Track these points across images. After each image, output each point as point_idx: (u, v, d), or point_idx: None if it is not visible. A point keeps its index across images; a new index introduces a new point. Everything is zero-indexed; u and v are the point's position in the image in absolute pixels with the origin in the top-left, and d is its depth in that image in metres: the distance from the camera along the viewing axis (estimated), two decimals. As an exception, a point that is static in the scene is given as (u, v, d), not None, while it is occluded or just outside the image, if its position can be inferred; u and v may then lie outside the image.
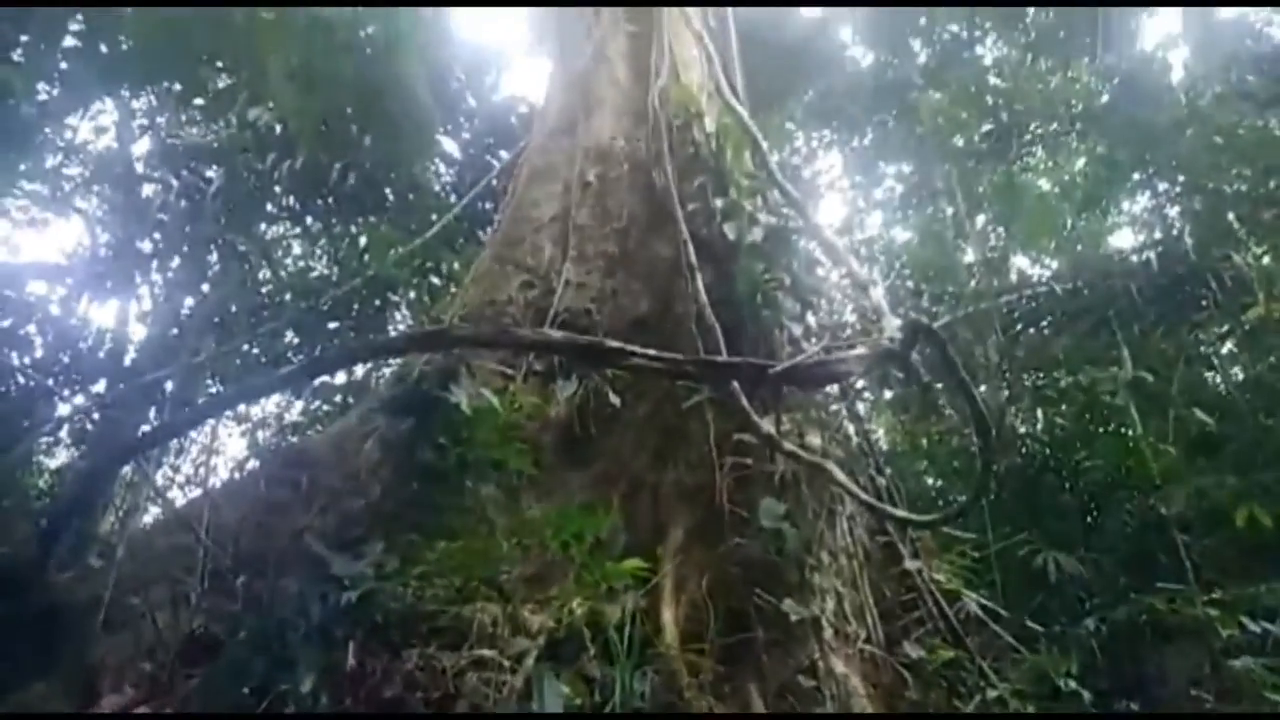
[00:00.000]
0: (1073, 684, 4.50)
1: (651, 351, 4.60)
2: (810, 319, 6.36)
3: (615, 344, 4.69)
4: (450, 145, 10.45)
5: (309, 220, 10.61)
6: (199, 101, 9.09)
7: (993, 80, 11.98)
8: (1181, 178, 10.03)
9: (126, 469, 9.83)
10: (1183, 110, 10.01)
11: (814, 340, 6.07)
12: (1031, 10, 12.34)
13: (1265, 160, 9.00)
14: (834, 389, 6.25)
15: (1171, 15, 12.36)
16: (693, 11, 9.35)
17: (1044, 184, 11.89)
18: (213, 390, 8.84)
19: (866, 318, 6.56)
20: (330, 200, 9.05)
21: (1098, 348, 8.59)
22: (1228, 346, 9.52)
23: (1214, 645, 5.17)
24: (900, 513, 4.96)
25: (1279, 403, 7.97)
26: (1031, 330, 9.95)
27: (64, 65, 7.66)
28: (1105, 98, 11.36)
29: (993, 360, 9.05)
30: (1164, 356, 8.38)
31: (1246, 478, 6.83)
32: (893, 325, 5.09)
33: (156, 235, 9.74)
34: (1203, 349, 9.27)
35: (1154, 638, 5.49)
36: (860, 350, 4.72)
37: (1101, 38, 11.92)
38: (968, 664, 4.45)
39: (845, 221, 13.28)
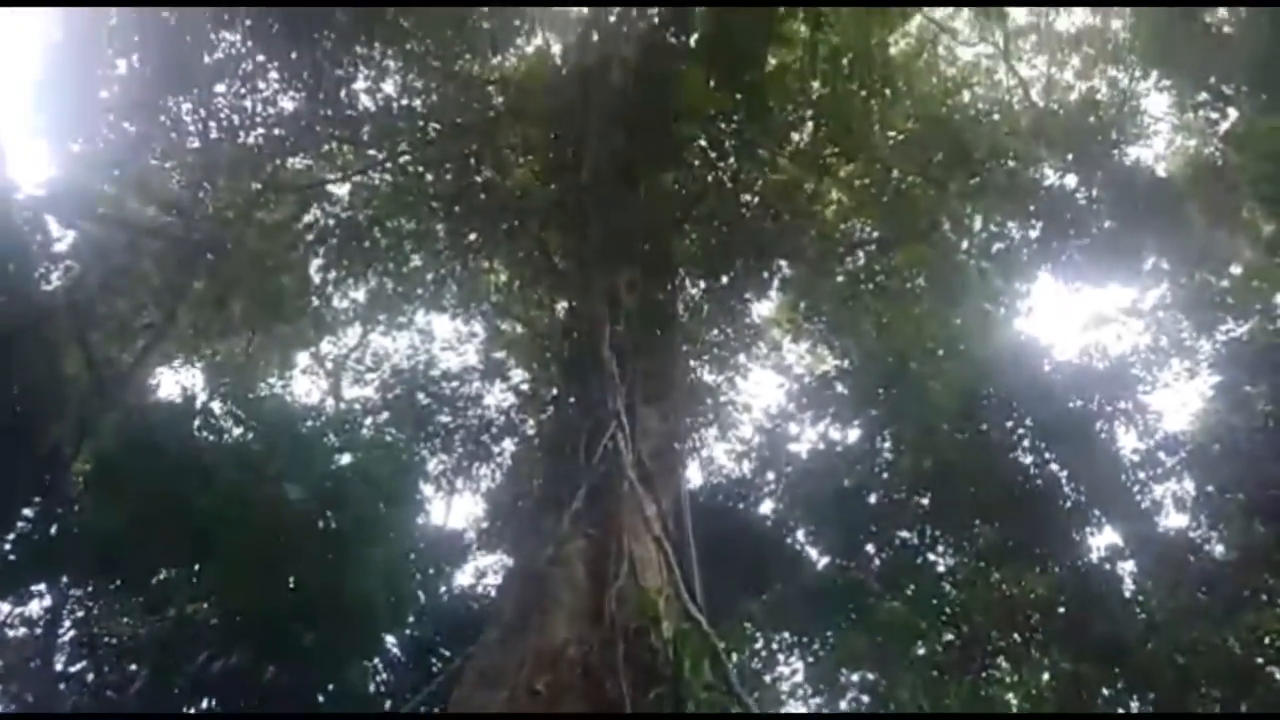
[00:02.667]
0: None
1: None
2: None
3: None
4: (393, 643, 10.24)
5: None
6: (140, 592, 9.05)
7: (948, 588, 12.41)
8: (1152, 694, 9.99)
9: None
10: (1139, 624, 10.28)
11: None
12: (978, 521, 13.20)
13: (1231, 681, 9.07)
14: None
15: (1112, 528, 13.24)
16: (652, 514, 9.87)
17: (1011, 697, 11.69)
18: None
19: None
20: (259, 700, 8.55)
21: None
22: None
23: None
24: None
25: None
26: None
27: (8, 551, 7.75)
28: (1061, 609, 11.70)
29: None
30: None
31: None
32: None
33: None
34: None
35: None
36: None
37: (1051, 547, 12.65)
38: None
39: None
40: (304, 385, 20.34)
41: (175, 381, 16.76)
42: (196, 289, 14.45)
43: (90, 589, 9.51)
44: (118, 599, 9.11)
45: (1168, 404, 18.76)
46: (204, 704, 8.66)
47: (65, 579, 9.66)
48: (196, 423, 11.66)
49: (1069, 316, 22.35)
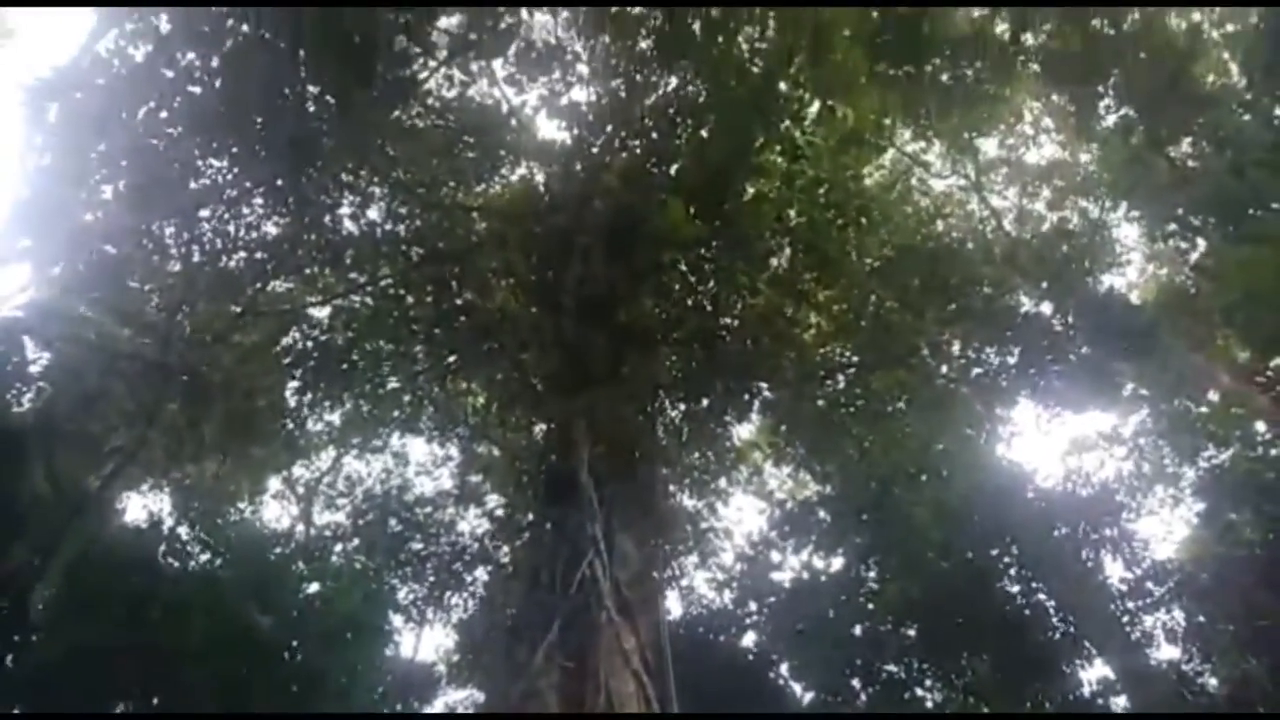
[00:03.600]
0: None
1: None
2: None
3: None
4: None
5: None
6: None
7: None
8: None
9: None
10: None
11: None
12: (965, 653, 12.82)
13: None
14: None
15: (1103, 661, 12.86)
16: (631, 646, 9.49)
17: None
18: None
19: None
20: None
21: None
22: None
23: None
24: None
25: None
26: None
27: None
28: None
29: None
30: None
31: None
32: None
33: None
34: None
35: None
36: None
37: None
38: None
39: None
40: (274, 510, 19.85)
41: (143, 505, 16.31)
42: (169, 412, 14.19)
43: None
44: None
45: (1153, 531, 18.61)
46: None
47: (18, 709, 9.16)
48: (163, 548, 11.32)
49: (1050, 442, 22.32)
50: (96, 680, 8.80)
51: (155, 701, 9.15)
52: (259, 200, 15.71)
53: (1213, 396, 16.65)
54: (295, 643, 9.75)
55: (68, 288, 14.71)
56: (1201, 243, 16.56)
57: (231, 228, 15.67)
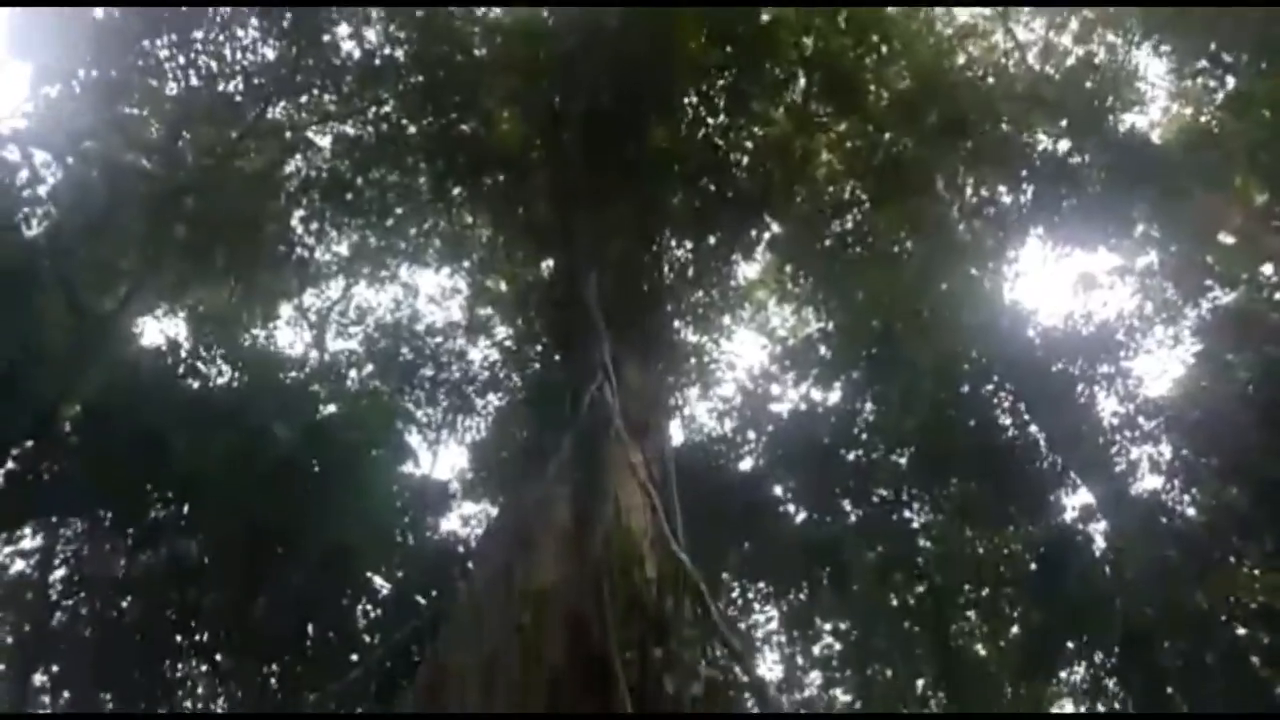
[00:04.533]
0: None
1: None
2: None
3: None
4: (381, 583, 10.28)
5: (219, 657, 9.98)
6: (130, 531, 9.05)
7: (922, 543, 12.59)
8: (1117, 649, 10.17)
9: None
10: (1110, 583, 10.45)
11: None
12: (954, 480, 13.35)
13: (1197, 634, 9.26)
14: None
15: (1087, 489, 13.40)
16: (638, 460, 9.90)
17: (980, 649, 11.94)
18: None
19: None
20: (247, 637, 8.61)
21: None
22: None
23: None
24: None
25: None
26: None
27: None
28: (1033, 566, 11.89)
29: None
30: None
31: None
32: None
33: (54, 668, 9.06)
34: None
35: None
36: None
37: (1024, 508, 12.81)
38: None
39: (784, 679, 12.95)
40: (288, 337, 20.23)
41: (159, 330, 16.61)
42: (178, 235, 14.23)
43: (81, 528, 9.49)
44: (108, 538, 9.10)
45: (1150, 370, 18.94)
46: (194, 637, 8.72)
47: (56, 519, 9.65)
48: (182, 370, 11.60)
49: (1057, 282, 22.35)
50: (126, 492, 9.20)
51: (184, 508, 9.62)
52: (255, 22, 15.24)
53: (1224, 238, 16.60)
54: (314, 459, 10.11)
55: (66, 110, 14.46)
56: (1231, 81, 16.05)
57: (228, 51, 15.27)
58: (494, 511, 10.54)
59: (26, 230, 12.57)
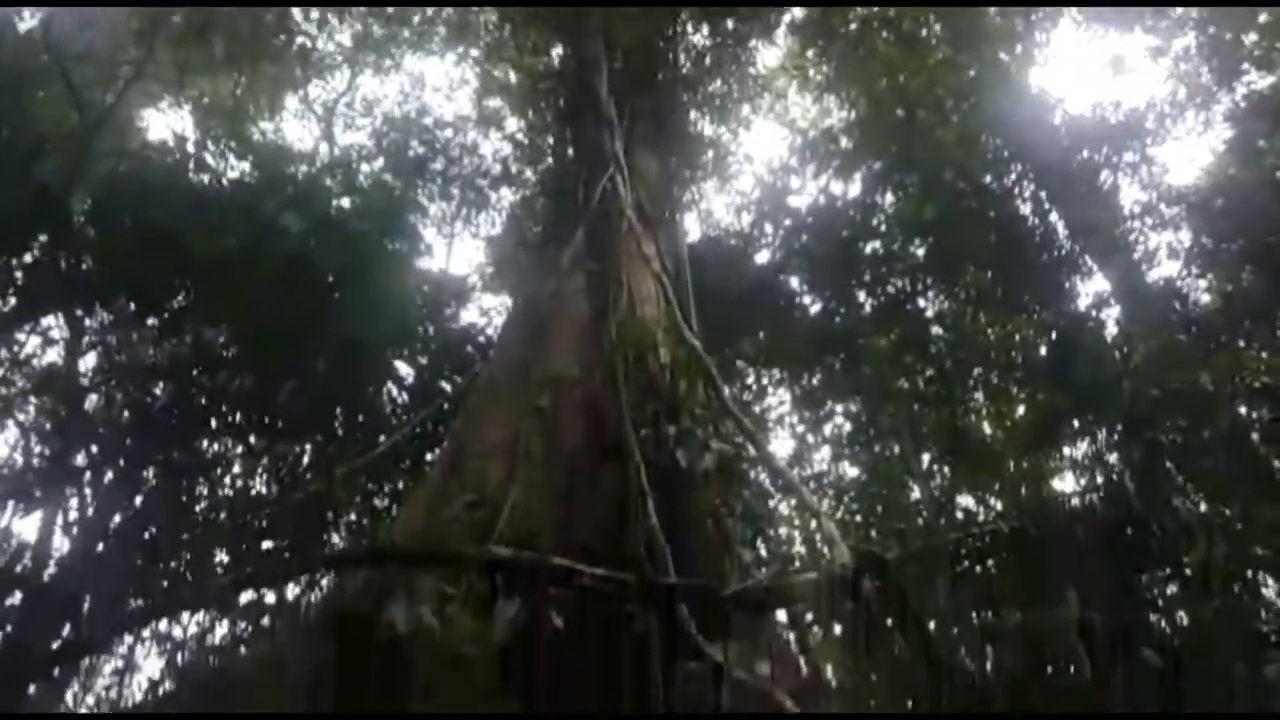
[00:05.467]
0: None
1: (599, 571, 4.53)
2: (760, 547, 6.35)
3: (562, 562, 4.61)
4: (405, 370, 10.65)
5: (252, 438, 10.50)
6: (153, 321, 9.24)
7: (935, 330, 12.80)
8: (1120, 427, 10.52)
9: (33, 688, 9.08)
10: (1118, 366, 10.66)
11: (764, 569, 6.03)
12: (971, 269, 13.37)
13: (1198, 413, 9.54)
14: (784, 619, 6.12)
15: (1103, 276, 13.42)
16: (651, 251, 9.99)
17: (986, 428, 12.41)
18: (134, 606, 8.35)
19: (816, 547, 6.53)
20: (277, 419, 9.02)
21: (1043, 588, 8.59)
22: (1172, 591, 9.58)
23: None
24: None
25: (1222, 646, 7.94)
26: (978, 569, 9.94)
27: (20, 280, 7.82)
28: (1043, 351, 12.11)
29: (940, 597, 8.96)
30: (1110, 599, 8.42)
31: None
32: (843, 554, 5.12)
33: (94, 448, 9.52)
34: (1147, 594, 9.32)
35: None
36: (811, 576, 4.71)
37: (1038, 295, 12.89)
38: None
39: (794, 456, 13.59)
40: (295, 131, 19.88)
41: (164, 125, 16.36)
42: (175, 22, 13.70)
43: (104, 320, 9.72)
44: (132, 326, 9.32)
45: (1177, 158, 18.42)
46: (226, 420, 9.14)
47: (80, 311, 9.82)
48: (190, 164, 11.45)
49: (1087, 68, 21.27)
50: (145, 281, 9.29)
51: (200, 305, 9.74)
52: None
53: (1263, 18, 15.65)
54: (328, 251, 10.14)
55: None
56: None
57: None
58: (511, 304, 10.71)
59: (19, 23, 12.17)
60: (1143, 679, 7.69)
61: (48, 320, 9.80)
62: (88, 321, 9.85)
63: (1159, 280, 13.01)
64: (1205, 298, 12.57)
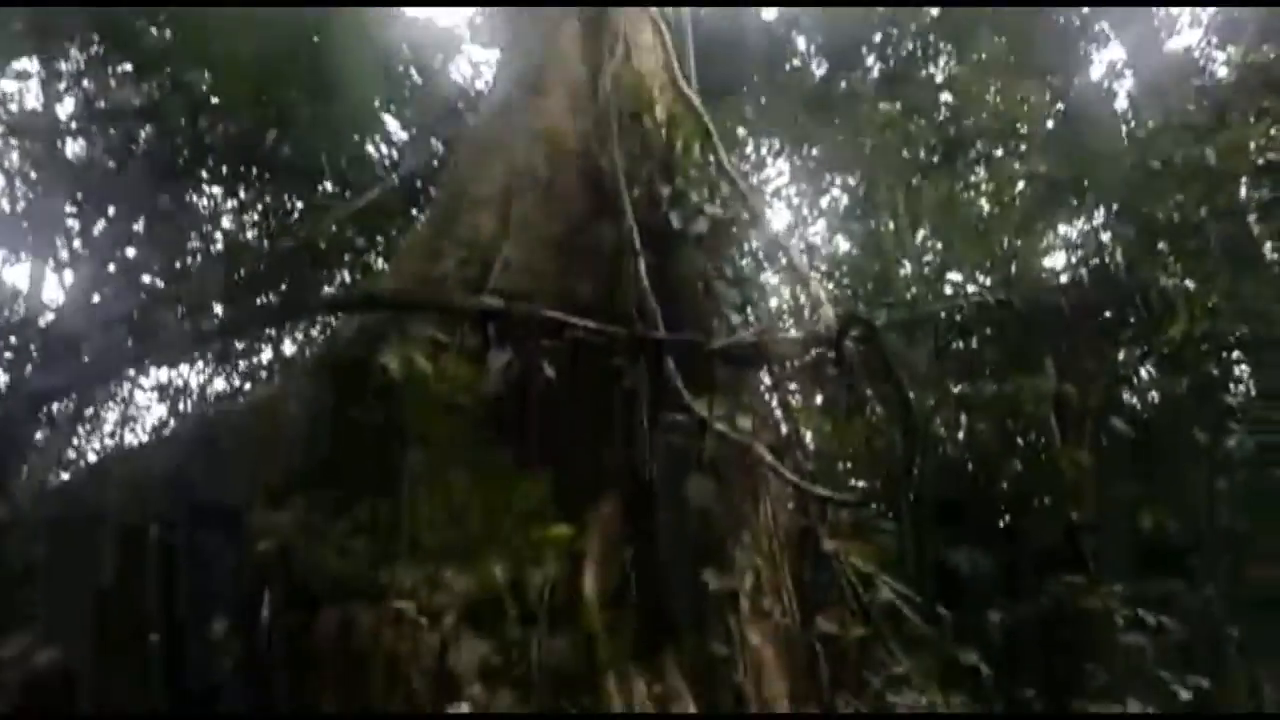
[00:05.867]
0: (974, 658, 4.66)
1: (590, 323, 4.62)
2: (750, 311, 6.43)
3: (553, 314, 4.70)
4: (393, 123, 10.32)
5: (241, 189, 10.37)
6: (128, 66, 8.85)
7: (944, 96, 12.33)
8: (1116, 205, 10.41)
9: (39, 435, 9.52)
10: (1123, 137, 10.39)
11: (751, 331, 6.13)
12: (985, 33, 12.71)
13: (1199, 188, 9.42)
14: (766, 379, 6.33)
15: (1119, 44, 12.82)
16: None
17: (984, 204, 12.26)
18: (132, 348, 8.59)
19: (804, 313, 6.66)
20: (265, 170, 8.85)
21: (1024, 360, 8.85)
22: (1147, 367, 9.91)
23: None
24: (823, 491, 5.06)
25: (1189, 420, 8.33)
26: (961, 342, 10.18)
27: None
28: (1050, 122, 11.74)
29: (922, 367, 9.25)
30: (1086, 372, 8.71)
31: (1153, 486, 7.14)
32: (829, 315, 5.22)
33: (79, 194, 9.40)
34: (1123, 370, 9.63)
35: (1055, 624, 5.72)
36: (796, 335, 4.83)
37: (1051, 62, 12.34)
38: (877, 643, 4.57)
39: (789, 229, 13.53)
40: None
41: None
42: None
43: (80, 63, 9.29)
44: (109, 64, 8.92)
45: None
46: (212, 170, 9.00)
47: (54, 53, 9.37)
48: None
49: None
50: (104, 25, 8.76)
51: (177, 41, 9.25)
52: None
53: None
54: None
55: None
56: None
57: None
58: (501, 55, 10.18)
59: None
60: (1112, 448, 8.14)
61: (21, 64, 9.37)
62: (63, 65, 9.41)
63: (1178, 49, 12.41)
64: (1222, 71, 12.03)
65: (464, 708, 3.54)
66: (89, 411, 10.40)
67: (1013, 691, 5.14)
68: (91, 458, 9.84)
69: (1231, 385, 9.48)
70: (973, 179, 12.32)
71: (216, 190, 9.79)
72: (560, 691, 3.64)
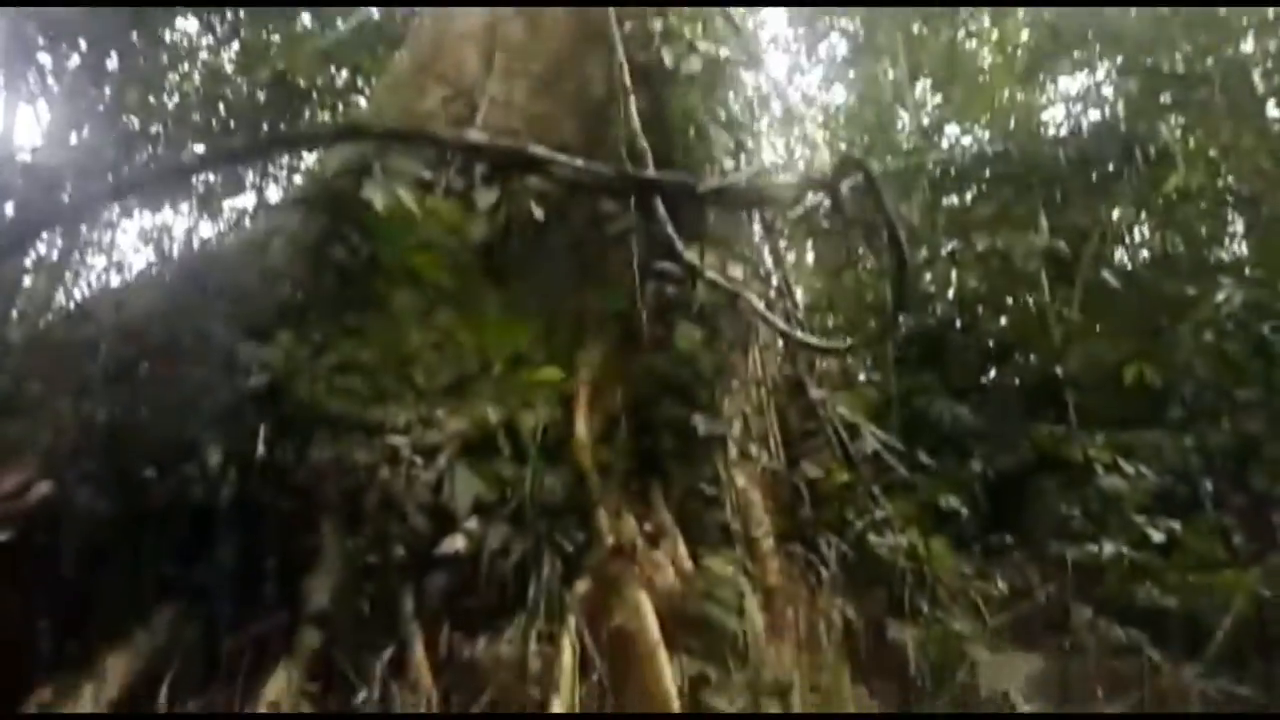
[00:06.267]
0: (954, 502, 4.79)
1: (578, 162, 4.48)
2: (743, 156, 6.25)
3: (541, 151, 4.55)
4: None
5: (217, 24, 9.86)
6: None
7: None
8: (1121, 56, 10.08)
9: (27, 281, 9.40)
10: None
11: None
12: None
13: (1205, 36, 9.11)
14: (758, 228, 6.23)
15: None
16: None
17: (986, 54, 11.82)
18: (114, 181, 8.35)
19: (798, 158, 6.50)
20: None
21: (1017, 215, 8.75)
22: (1140, 224, 9.85)
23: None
24: (812, 340, 5.07)
25: (1179, 274, 8.34)
26: (955, 197, 10.03)
27: None
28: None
29: (915, 220, 9.14)
30: (1078, 229, 8.64)
31: (1137, 341, 7.20)
32: (825, 159, 5.09)
33: (49, 31, 8.94)
34: (1116, 226, 9.56)
35: (1035, 472, 5.87)
36: (790, 178, 4.71)
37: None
38: (861, 488, 4.67)
39: (787, 75, 13.02)
40: None
41: None
42: None
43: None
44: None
45: None
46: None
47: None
48: None
49: None
50: None
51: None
52: None
53: None
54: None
55: None
56: None
57: None
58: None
59: None
60: (1101, 303, 8.17)
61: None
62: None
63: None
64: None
65: (459, 541, 3.62)
66: (75, 257, 10.26)
67: (990, 536, 5.32)
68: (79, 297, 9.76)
69: (1226, 240, 9.47)
70: (975, 27, 11.81)
71: (192, 26, 9.32)
72: (554, 526, 3.72)
